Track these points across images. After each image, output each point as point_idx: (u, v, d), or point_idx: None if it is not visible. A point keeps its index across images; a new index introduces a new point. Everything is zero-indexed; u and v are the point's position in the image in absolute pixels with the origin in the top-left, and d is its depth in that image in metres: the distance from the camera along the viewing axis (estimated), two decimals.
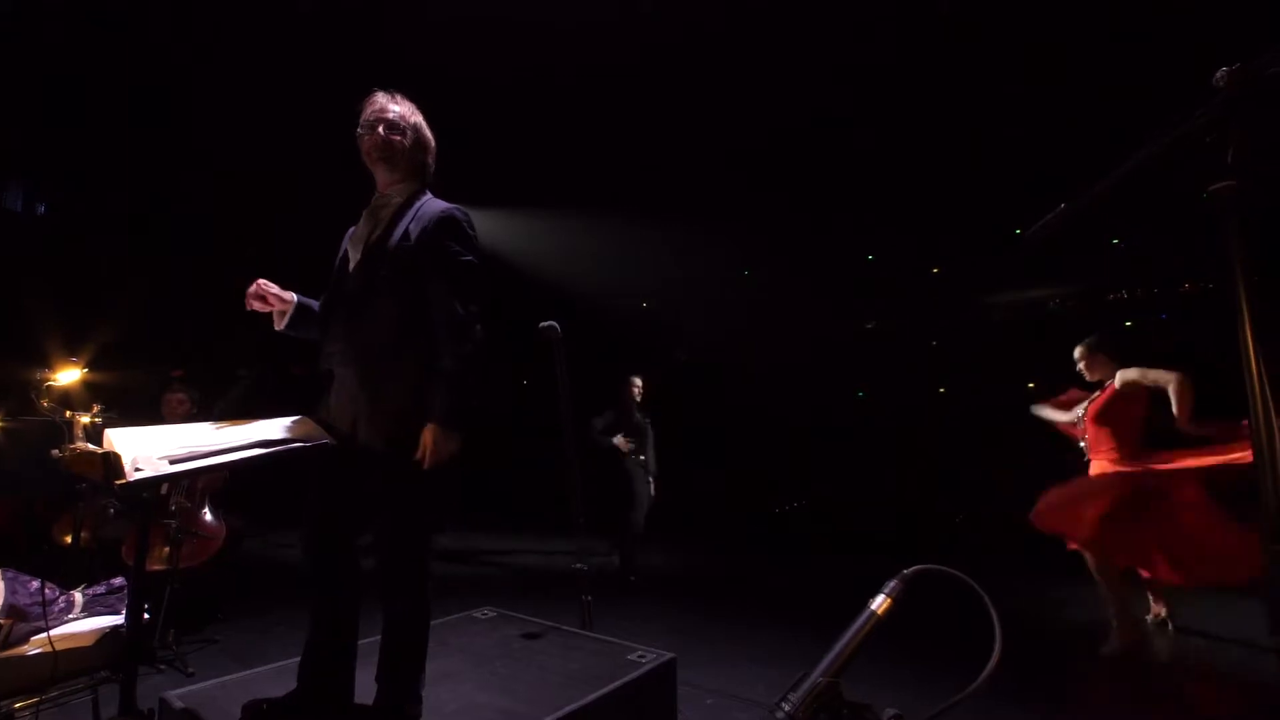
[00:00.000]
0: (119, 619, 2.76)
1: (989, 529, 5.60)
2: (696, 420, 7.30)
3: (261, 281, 1.80)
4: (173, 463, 1.37)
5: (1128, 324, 6.57)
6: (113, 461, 1.27)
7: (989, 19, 4.28)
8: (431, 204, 1.80)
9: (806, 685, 0.68)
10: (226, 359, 5.41)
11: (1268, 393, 0.73)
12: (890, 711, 0.71)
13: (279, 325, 1.84)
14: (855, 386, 7.74)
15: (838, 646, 0.70)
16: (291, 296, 1.83)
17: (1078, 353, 3.53)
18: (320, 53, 4.46)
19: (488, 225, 6.97)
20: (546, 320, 3.32)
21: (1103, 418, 3.35)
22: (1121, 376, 3.30)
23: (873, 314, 7.84)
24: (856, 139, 5.71)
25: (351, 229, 1.92)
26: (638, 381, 4.87)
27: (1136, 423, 3.29)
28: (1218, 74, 0.74)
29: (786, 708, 0.66)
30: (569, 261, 7.09)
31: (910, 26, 4.44)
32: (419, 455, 1.61)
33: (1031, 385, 6.91)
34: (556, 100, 5.39)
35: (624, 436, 4.60)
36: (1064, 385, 3.60)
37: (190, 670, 2.74)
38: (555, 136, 5.80)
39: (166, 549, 3.00)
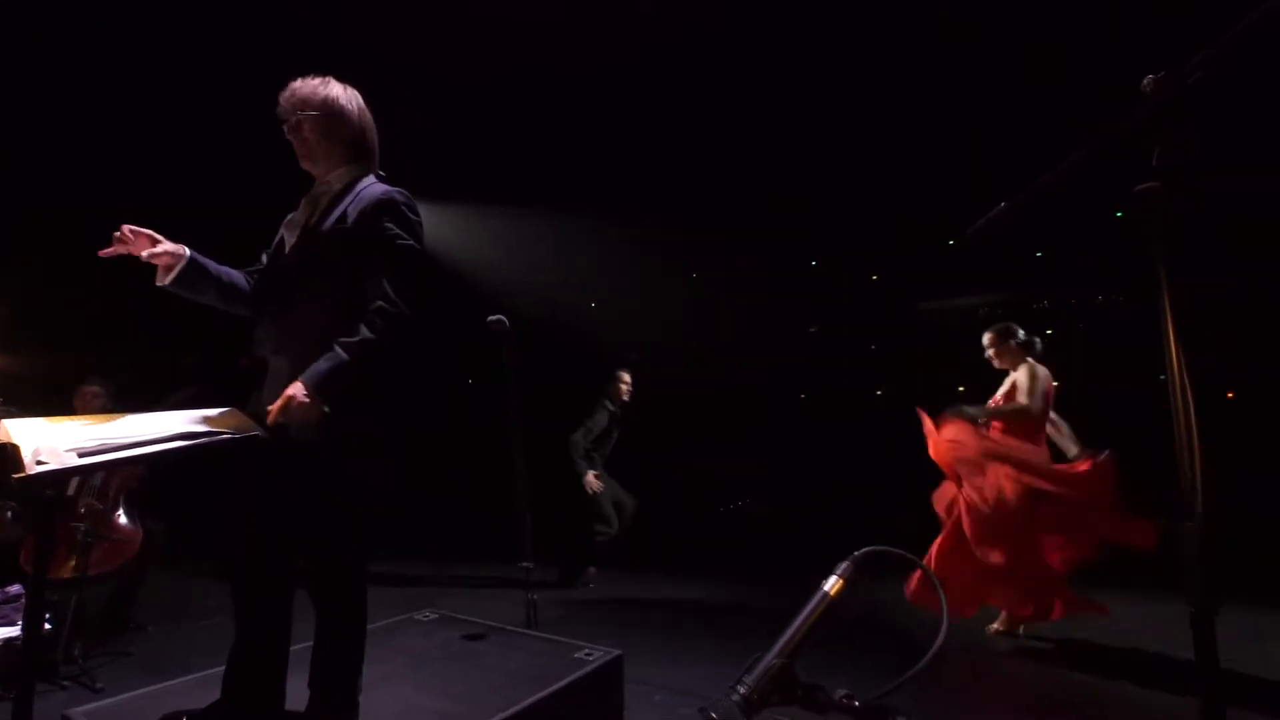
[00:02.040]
0: (14, 630, 2.52)
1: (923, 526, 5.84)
2: (643, 419, 7.32)
3: (126, 227, 1.59)
4: (81, 455, 1.25)
5: (1049, 331, 6.99)
6: (10, 454, 1.15)
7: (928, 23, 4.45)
8: (374, 188, 1.70)
9: (761, 667, 0.68)
10: (149, 344, 4.96)
11: (1188, 383, 0.78)
12: (841, 691, 0.71)
13: (162, 280, 1.63)
14: (799, 388, 7.95)
15: (791, 628, 0.71)
16: (181, 249, 1.63)
17: (987, 339, 3.44)
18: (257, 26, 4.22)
19: (437, 220, 6.79)
20: (495, 315, 3.27)
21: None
22: (1021, 371, 3.28)
23: (816, 317, 8.07)
24: (804, 144, 5.85)
25: (290, 215, 1.81)
26: (626, 378, 4.60)
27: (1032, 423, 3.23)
28: (1145, 81, 0.79)
29: (742, 690, 0.66)
30: (516, 260, 6.99)
31: (860, 32, 4.58)
32: (273, 410, 1.48)
33: (961, 389, 7.27)
34: (508, 100, 5.32)
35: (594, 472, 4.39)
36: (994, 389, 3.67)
37: (99, 686, 2.54)
38: (504, 135, 5.71)
39: (74, 557, 2.77)
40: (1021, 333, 3.41)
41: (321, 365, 1.50)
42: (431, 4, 4.28)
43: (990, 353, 3.46)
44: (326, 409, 1.49)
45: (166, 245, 1.61)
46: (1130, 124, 0.79)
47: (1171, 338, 0.81)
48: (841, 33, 4.57)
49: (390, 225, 1.62)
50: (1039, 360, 3.35)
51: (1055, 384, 3.31)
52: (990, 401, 3.44)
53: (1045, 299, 7.41)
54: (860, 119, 5.45)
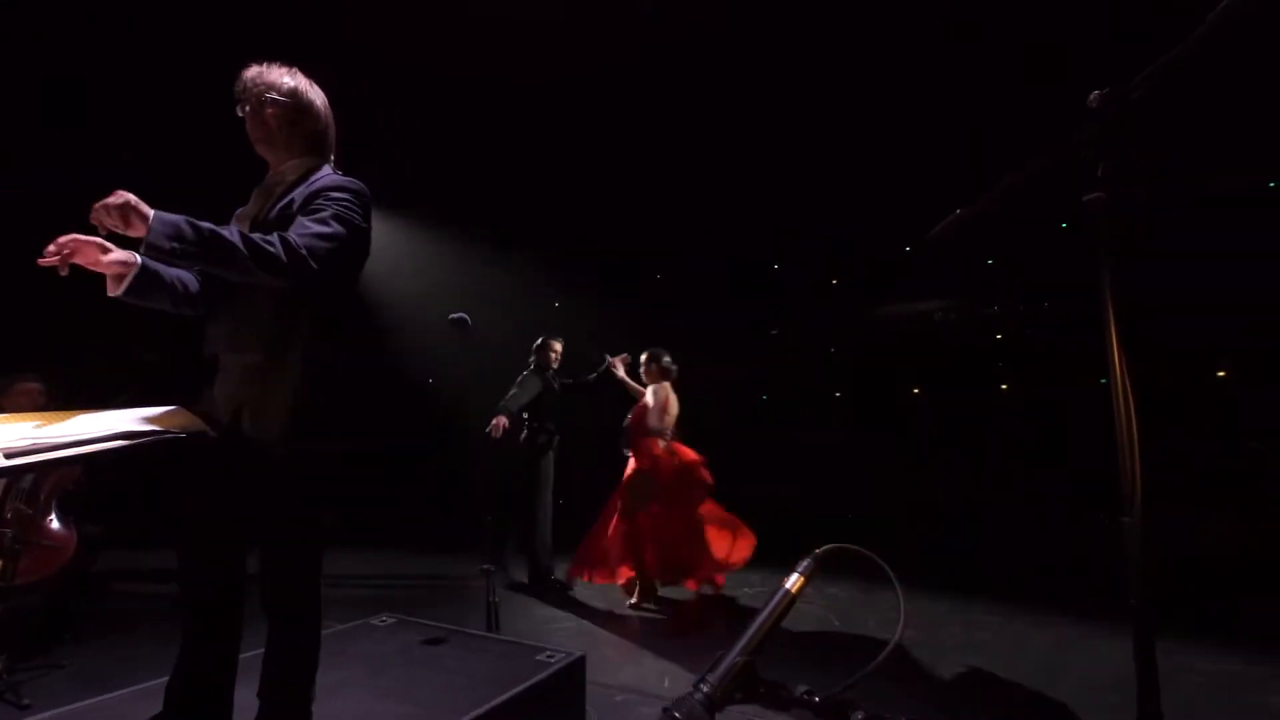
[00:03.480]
0: None
1: (878, 527, 6.00)
2: (607, 423, 7.32)
3: (67, 237, 1.36)
4: (9, 456, 1.18)
5: (999, 336, 7.25)
6: None
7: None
8: (329, 177, 1.64)
9: (725, 665, 0.68)
10: (102, 339, 4.65)
11: (1129, 384, 0.82)
12: (801, 687, 0.72)
13: (114, 290, 1.48)
14: (759, 391, 8.05)
15: (754, 625, 0.71)
16: (132, 257, 1.44)
17: (644, 356, 4.16)
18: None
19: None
20: (457, 312, 3.22)
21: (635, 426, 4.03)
22: (650, 391, 4.03)
23: (776, 321, 8.18)
24: (766, 149, 5.94)
25: (240, 209, 1.74)
26: (557, 345, 4.61)
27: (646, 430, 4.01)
28: (1091, 96, 0.82)
29: (705, 688, 0.66)
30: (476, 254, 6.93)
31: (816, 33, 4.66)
32: (98, 207, 1.28)
33: (916, 390, 7.49)
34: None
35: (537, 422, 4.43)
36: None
37: (25, 701, 2.39)
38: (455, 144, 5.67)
39: (0, 562, 2.61)
40: (667, 359, 4.14)
41: (203, 223, 1.34)
42: (423, 5, 4.21)
43: (642, 370, 4.20)
44: (145, 248, 1.30)
45: (117, 254, 1.43)
46: (1077, 137, 0.83)
47: (1113, 341, 0.85)
48: (825, 35, 4.65)
49: (336, 196, 1.56)
50: (673, 384, 4.14)
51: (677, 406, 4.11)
52: (630, 415, 4.16)
53: (995, 304, 7.67)
54: (822, 126, 5.56)
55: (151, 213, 1.29)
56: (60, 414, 1.42)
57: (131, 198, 1.29)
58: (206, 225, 1.35)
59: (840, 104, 5.36)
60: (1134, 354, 0.87)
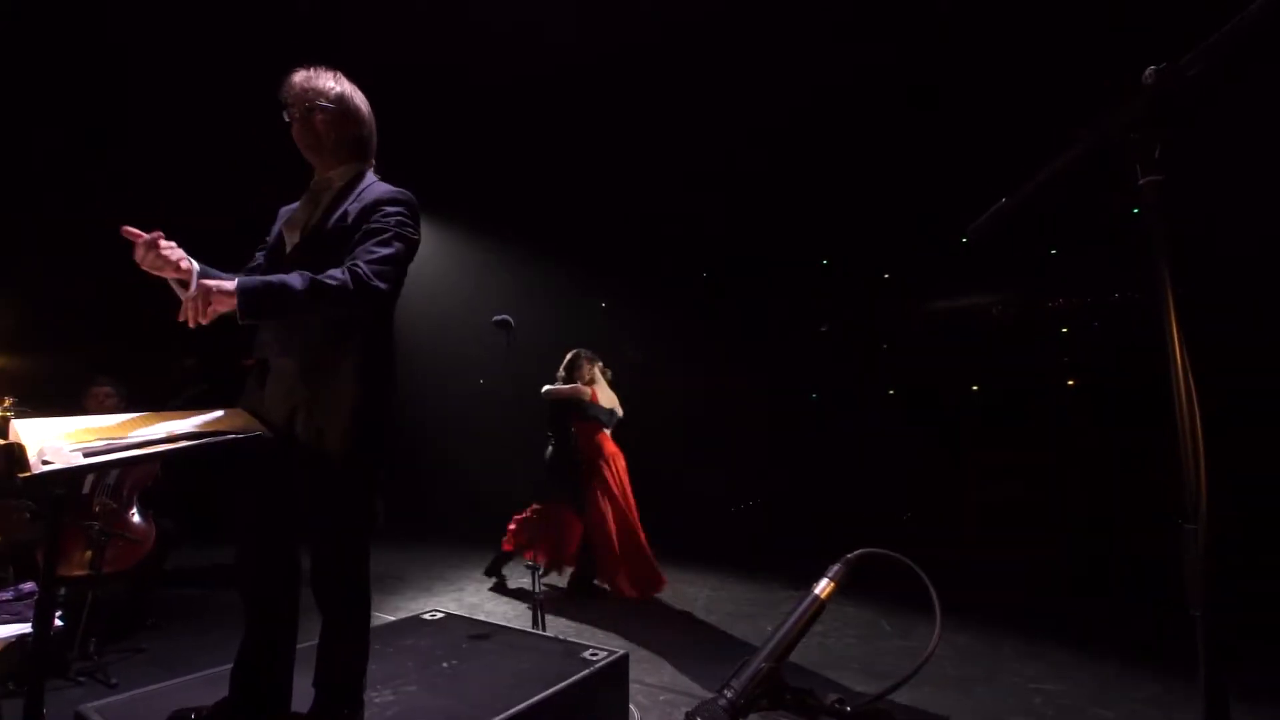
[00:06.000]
0: (28, 627, 2.57)
1: (934, 526, 5.79)
2: (652, 421, 7.33)
3: (162, 241, 1.39)
4: (87, 455, 1.27)
5: (1064, 330, 6.87)
6: (16, 453, 1.17)
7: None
8: (376, 186, 1.71)
9: (749, 671, 0.67)
10: (158, 346, 4.94)
11: (1190, 379, 0.77)
12: (831, 696, 0.70)
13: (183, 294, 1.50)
14: (809, 388, 7.88)
15: (781, 631, 0.70)
16: (189, 264, 1.44)
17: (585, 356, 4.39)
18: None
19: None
20: (500, 315, 3.31)
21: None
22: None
23: (826, 317, 8.00)
24: (812, 144, 5.81)
25: (284, 209, 1.82)
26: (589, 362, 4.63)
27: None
28: (1146, 72, 0.77)
29: (729, 694, 0.65)
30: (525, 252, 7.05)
31: (865, 29, 4.53)
32: (186, 305, 1.36)
33: (975, 388, 7.18)
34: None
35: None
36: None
37: (113, 681, 2.58)
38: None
39: (89, 553, 2.82)
40: (598, 365, 4.43)
41: (273, 278, 1.43)
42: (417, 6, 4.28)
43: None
44: (240, 316, 1.39)
45: (191, 292, 1.42)
46: (1127, 117, 0.77)
47: (1174, 334, 0.80)
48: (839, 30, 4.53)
49: (393, 216, 1.62)
50: (609, 383, 4.46)
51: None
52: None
53: (1060, 297, 7.28)
54: (863, 115, 5.40)
55: (236, 292, 1.37)
56: (131, 415, 1.52)
57: (211, 288, 1.35)
58: (277, 281, 1.43)
59: (892, 93, 5.19)
60: (1207, 349, 0.81)
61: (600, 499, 4.13)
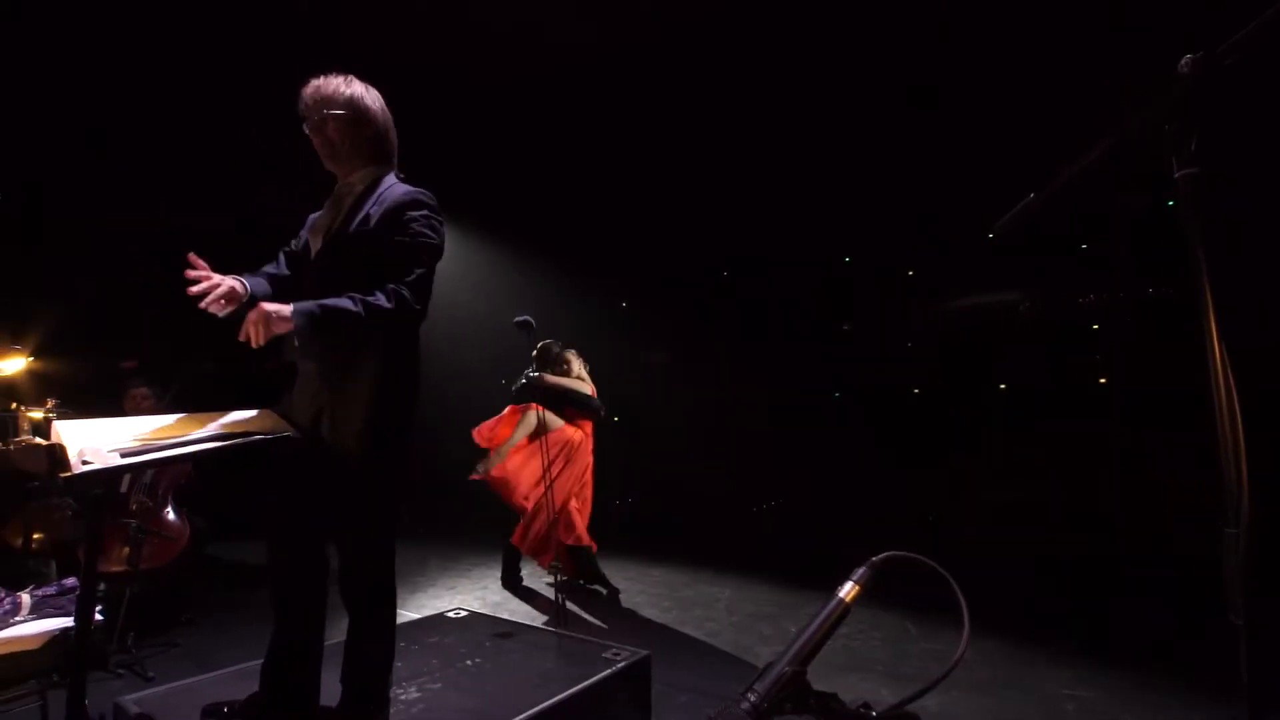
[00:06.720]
0: (70, 621, 2.66)
1: (962, 526, 5.69)
2: (675, 421, 7.29)
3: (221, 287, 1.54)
4: (124, 455, 1.31)
5: (1095, 326, 6.70)
6: (58, 454, 1.21)
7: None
8: (396, 188, 1.73)
9: (773, 674, 0.66)
10: (189, 349, 5.05)
11: (1231, 379, 0.74)
12: (858, 701, 0.70)
13: (222, 311, 1.61)
14: (831, 387, 7.80)
15: (805, 635, 0.69)
16: (242, 289, 1.61)
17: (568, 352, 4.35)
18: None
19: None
20: (522, 316, 3.34)
21: None
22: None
23: (848, 315, 7.90)
24: (834, 140, 5.75)
25: (312, 215, 1.85)
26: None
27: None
28: (1182, 61, 0.75)
29: (752, 698, 0.65)
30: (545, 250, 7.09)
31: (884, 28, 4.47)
32: (247, 327, 1.44)
33: (1003, 386, 7.04)
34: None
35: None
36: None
37: (150, 674, 2.66)
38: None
39: (127, 549, 2.90)
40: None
41: (326, 301, 1.50)
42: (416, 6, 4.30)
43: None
44: (295, 338, 1.50)
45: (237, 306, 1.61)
46: (1161, 108, 0.75)
47: (1213, 330, 0.77)
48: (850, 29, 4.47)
49: (417, 223, 1.65)
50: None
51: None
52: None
53: (1091, 293, 7.10)
54: (863, 115, 5.34)
55: (291, 317, 1.45)
56: (165, 416, 1.56)
57: (271, 314, 1.44)
58: (331, 305, 1.50)
59: (892, 93, 5.12)
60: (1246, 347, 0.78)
61: (557, 463, 4.08)
